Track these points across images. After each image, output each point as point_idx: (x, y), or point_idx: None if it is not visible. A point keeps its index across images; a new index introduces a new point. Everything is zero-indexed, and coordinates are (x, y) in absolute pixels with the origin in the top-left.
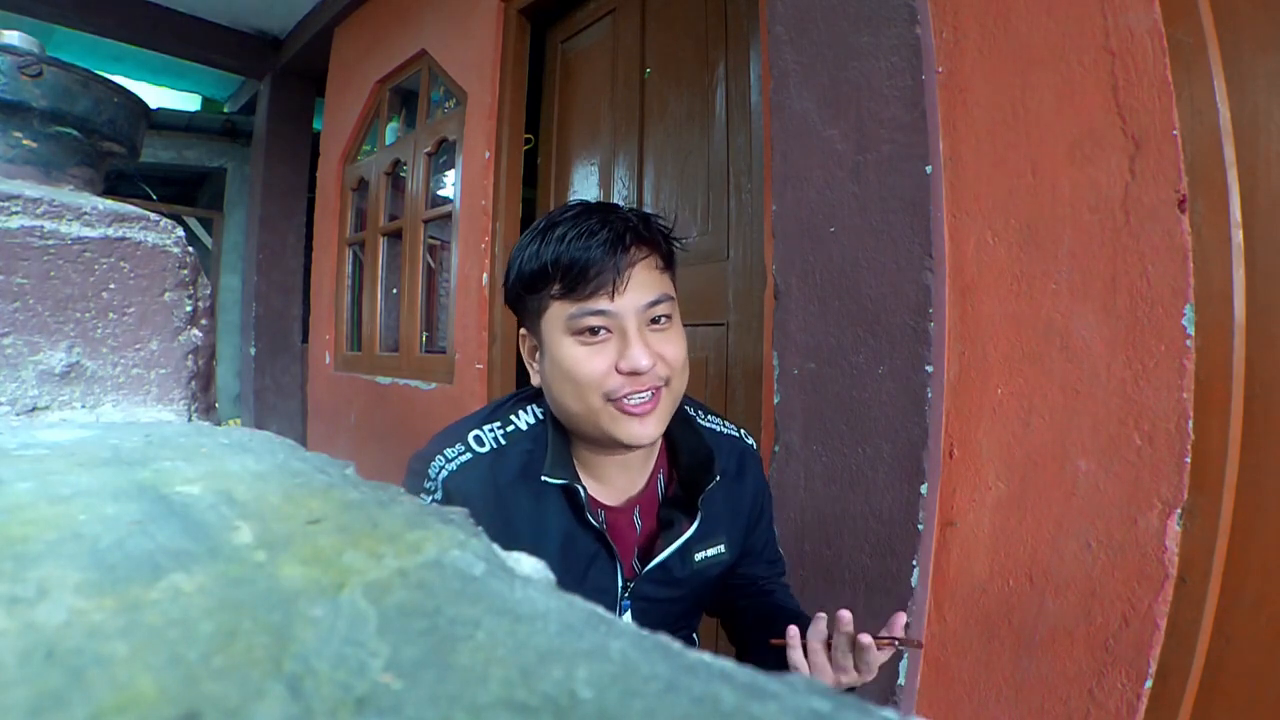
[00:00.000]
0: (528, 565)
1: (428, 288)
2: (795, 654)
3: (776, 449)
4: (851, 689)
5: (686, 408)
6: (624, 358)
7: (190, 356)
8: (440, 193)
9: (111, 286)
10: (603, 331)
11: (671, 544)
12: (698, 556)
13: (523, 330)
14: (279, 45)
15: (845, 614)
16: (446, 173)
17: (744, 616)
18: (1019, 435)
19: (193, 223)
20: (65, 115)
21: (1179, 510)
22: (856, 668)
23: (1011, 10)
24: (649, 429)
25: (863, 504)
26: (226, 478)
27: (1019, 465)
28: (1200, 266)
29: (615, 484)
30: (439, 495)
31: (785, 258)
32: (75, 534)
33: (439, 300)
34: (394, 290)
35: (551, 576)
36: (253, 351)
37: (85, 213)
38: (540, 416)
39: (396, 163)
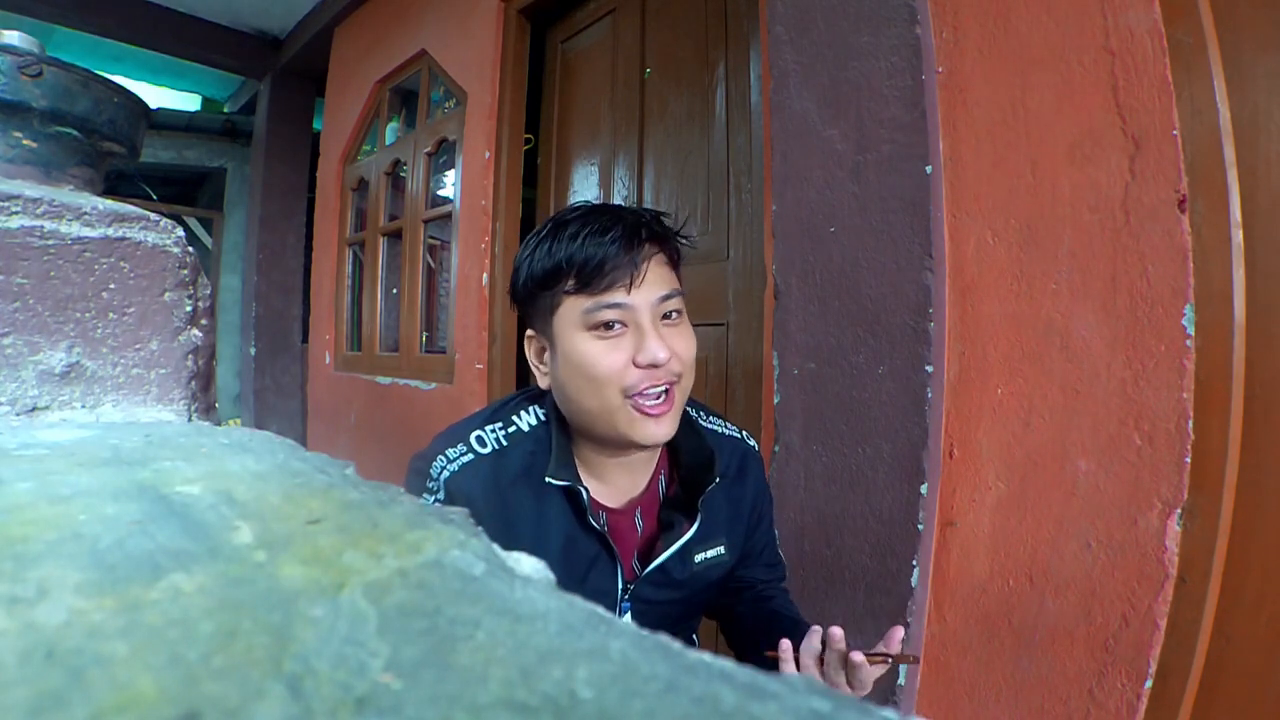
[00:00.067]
0: (528, 565)
1: (428, 288)
2: (787, 667)
3: (776, 449)
4: None
5: (688, 409)
6: (641, 351)
7: (190, 356)
8: (440, 193)
9: (111, 286)
10: (618, 326)
11: (671, 545)
12: (697, 558)
13: (530, 332)
14: (279, 45)
15: (836, 631)
16: (446, 173)
17: (741, 623)
18: (1019, 435)
19: (193, 223)
20: (65, 115)
21: (1179, 510)
22: (850, 684)
23: (1011, 10)
24: (664, 429)
25: (863, 504)
26: (226, 478)
27: (1019, 465)
28: (1200, 266)
29: (618, 485)
30: (441, 495)
31: (785, 258)
32: (75, 534)
33: (439, 300)
34: (394, 290)
35: (551, 576)
36: (253, 351)
37: (85, 213)
38: (542, 417)
39: (396, 163)
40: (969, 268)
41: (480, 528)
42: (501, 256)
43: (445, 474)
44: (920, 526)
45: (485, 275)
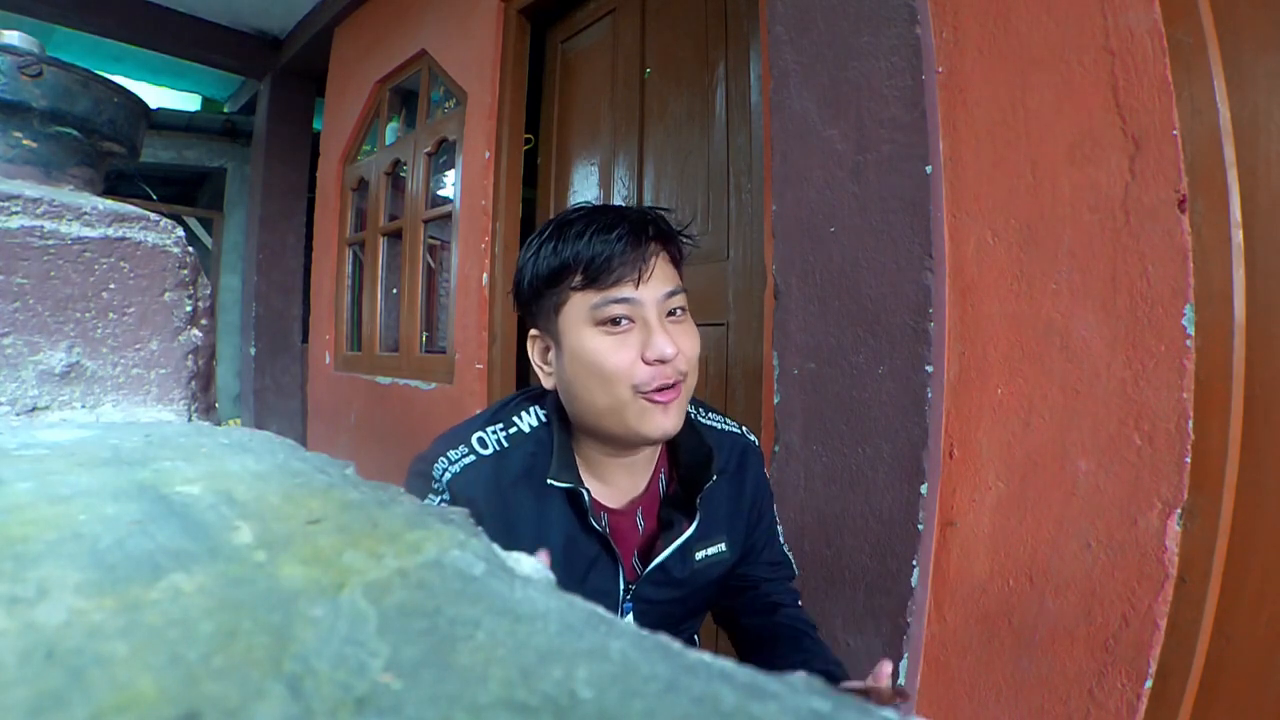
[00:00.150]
0: (528, 565)
1: (428, 288)
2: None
3: (776, 449)
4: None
5: (688, 406)
6: (649, 346)
7: (190, 356)
8: (440, 193)
9: (111, 286)
10: (625, 321)
11: (671, 544)
12: (698, 556)
13: (533, 332)
14: (279, 45)
15: (885, 668)
16: (446, 173)
17: (748, 634)
18: (1019, 435)
19: (193, 223)
20: (65, 115)
21: (1179, 510)
22: None
23: (1011, 10)
24: (672, 420)
25: (863, 504)
26: (226, 478)
27: (1019, 465)
28: (1200, 266)
29: (619, 486)
30: (446, 496)
31: (785, 258)
32: (75, 534)
33: (439, 300)
34: (394, 290)
35: (551, 576)
36: (253, 351)
37: (85, 213)
38: (543, 418)
39: (396, 163)
40: (969, 268)
41: (480, 528)
42: (501, 256)
43: (447, 475)
44: (920, 526)
45: (485, 275)
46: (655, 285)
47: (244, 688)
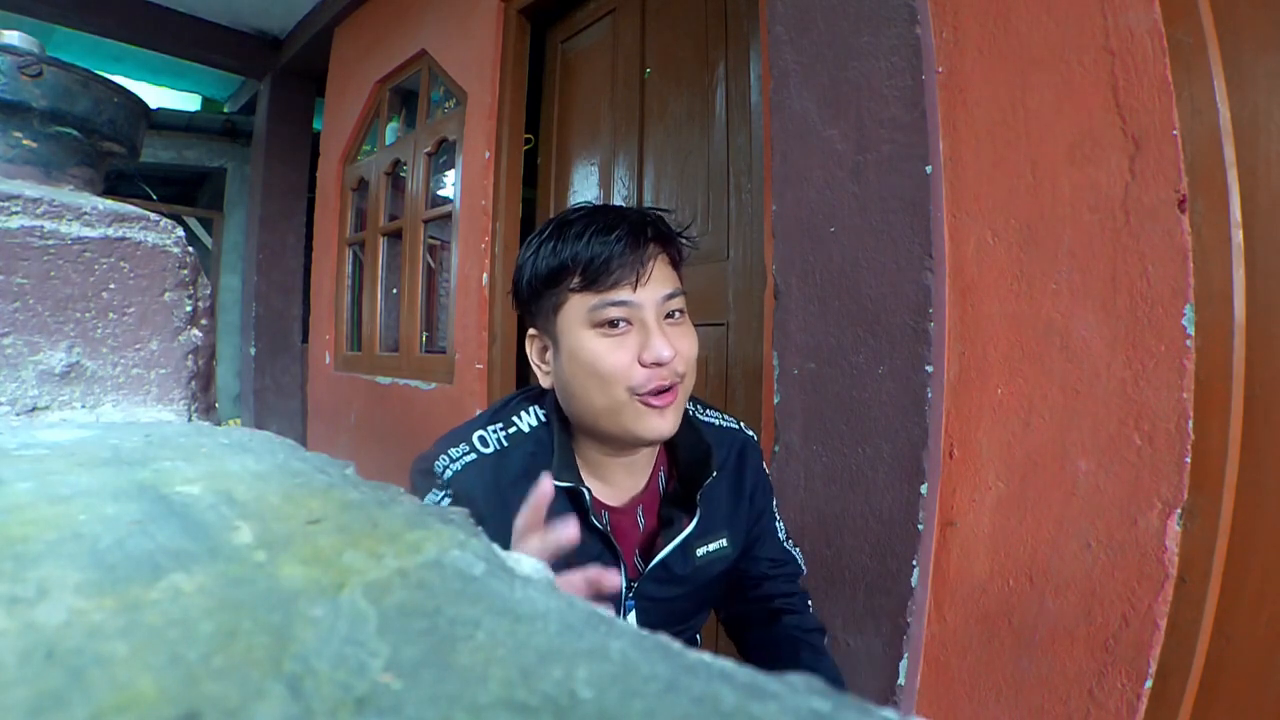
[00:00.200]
0: (528, 565)
1: (428, 288)
2: None
3: (776, 449)
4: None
5: (686, 404)
6: (647, 349)
7: (190, 356)
8: (440, 193)
9: (111, 286)
10: (623, 324)
11: (671, 541)
12: (699, 552)
13: (532, 331)
14: (279, 45)
15: None
16: (446, 173)
17: (748, 647)
18: (1019, 435)
19: (193, 223)
20: (65, 115)
21: (1179, 510)
22: None
23: (1011, 10)
24: (668, 423)
25: (863, 504)
26: (226, 478)
27: (1019, 465)
28: (1200, 266)
29: (619, 484)
30: (448, 492)
31: (785, 258)
32: (75, 534)
33: (439, 300)
34: (394, 290)
35: (552, 576)
36: (253, 351)
37: (85, 213)
38: (542, 418)
39: (396, 163)
40: (969, 268)
41: (480, 528)
42: (501, 256)
43: (448, 473)
44: (920, 526)
45: (485, 275)
46: (654, 287)
47: (244, 688)
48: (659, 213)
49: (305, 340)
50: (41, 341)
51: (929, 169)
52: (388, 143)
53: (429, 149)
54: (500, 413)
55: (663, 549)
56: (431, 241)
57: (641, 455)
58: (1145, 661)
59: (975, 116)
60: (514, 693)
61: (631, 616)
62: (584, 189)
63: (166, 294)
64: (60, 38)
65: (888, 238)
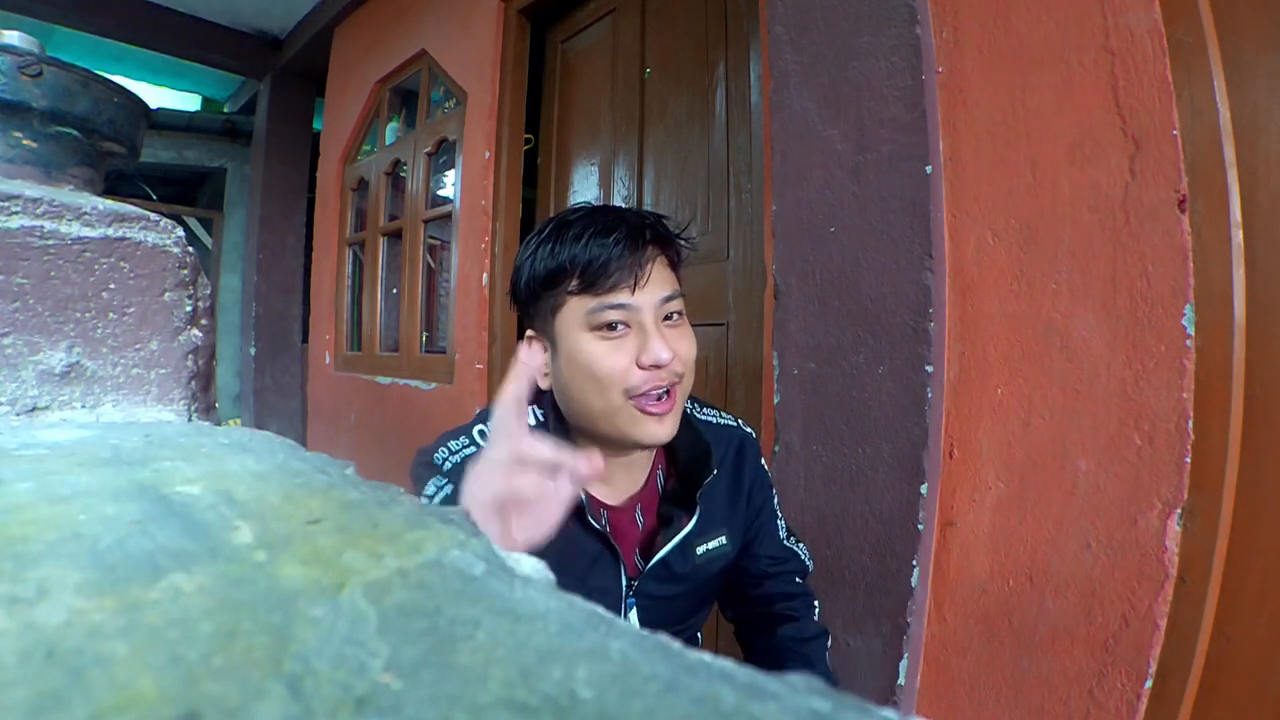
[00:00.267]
0: (528, 565)
1: (428, 288)
2: None
3: (776, 449)
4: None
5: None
6: (645, 352)
7: (190, 356)
8: (440, 193)
9: (111, 286)
10: (621, 327)
11: (671, 540)
12: (699, 550)
13: (530, 332)
14: (279, 45)
15: None
16: (446, 173)
17: (750, 653)
18: (1019, 435)
19: (193, 223)
20: (65, 115)
21: (1179, 510)
22: None
23: (1011, 10)
24: (666, 428)
25: (863, 504)
26: (226, 478)
27: (1019, 465)
28: (1200, 266)
29: (617, 484)
30: (449, 482)
31: (785, 258)
32: (75, 534)
33: (439, 300)
34: (394, 290)
35: (551, 577)
36: (253, 351)
37: (85, 213)
38: (540, 418)
39: (396, 163)
40: (969, 268)
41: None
42: (501, 256)
43: (448, 464)
44: (920, 526)
45: (485, 275)
46: (652, 290)
47: (244, 688)
48: (657, 215)
49: (305, 340)
50: (41, 341)
51: (929, 169)
52: (388, 143)
53: (429, 149)
54: None
55: (662, 548)
56: (431, 241)
57: (640, 455)
58: (1145, 661)
59: (975, 116)
60: (514, 693)
61: (633, 615)
62: (584, 189)
63: (166, 294)
64: (60, 38)
65: (888, 238)
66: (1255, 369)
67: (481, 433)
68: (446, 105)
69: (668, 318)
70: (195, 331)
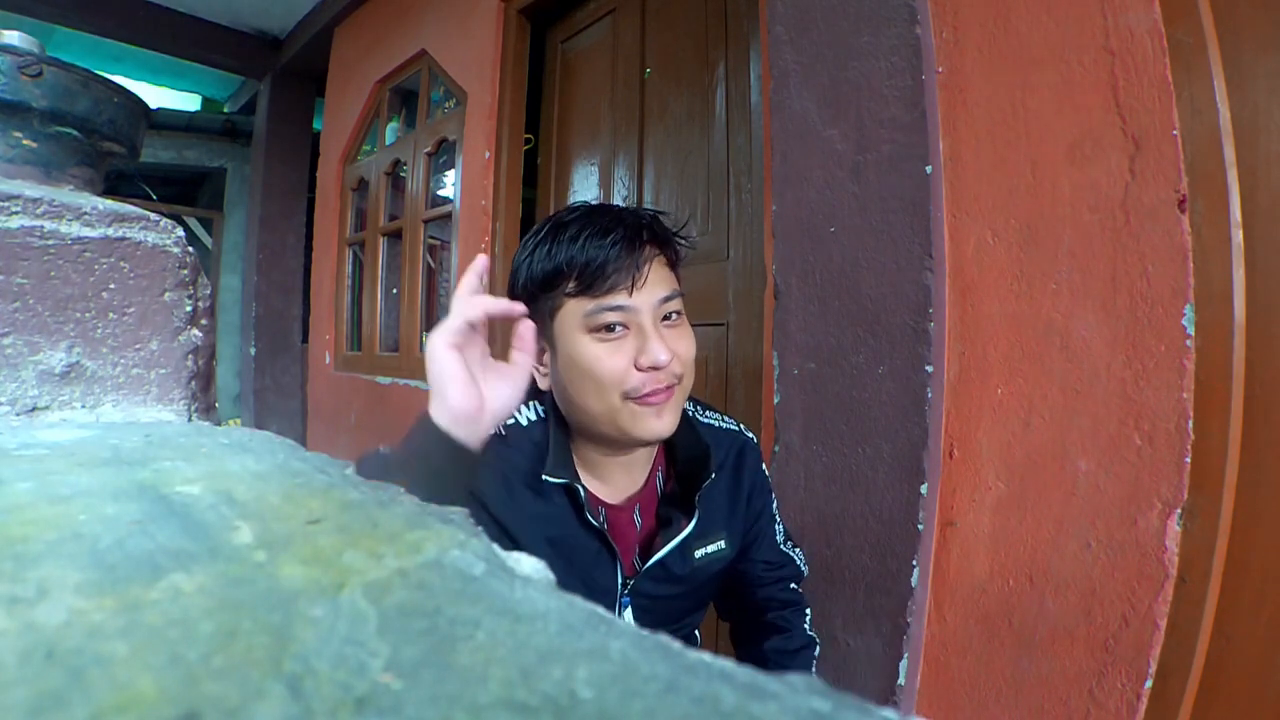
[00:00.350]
0: (528, 565)
1: (428, 288)
2: None
3: (776, 449)
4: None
5: (685, 404)
6: (643, 353)
7: (190, 356)
8: (440, 193)
9: (111, 286)
10: (619, 328)
11: (670, 541)
12: (698, 553)
13: None
14: (279, 45)
15: None
16: (446, 173)
17: (740, 661)
18: (1019, 435)
19: (193, 223)
20: (65, 115)
21: (1179, 510)
22: None
23: (1011, 10)
24: (665, 422)
25: (863, 504)
26: (226, 478)
27: (1019, 465)
28: (1200, 266)
29: (616, 484)
30: None
31: (785, 258)
32: (75, 534)
33: (439, 300)
34: (394, 290)
35: (551, 576)
36: (253, 351)
37: (85, 213)
38: (541, 414)
39: (396, 163)
40: (969, 268)
41: (480, 527)
42: (501, 256)
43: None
44: (920, 526)
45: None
46: (650, 291)
47: (244, 688)
48: (655, 214)
49: (305, 340)
50: (41, 341)
51: (929, 169)
52: (388, 143)
53: (429, 149)
54: None
55: (661, 549)
56: (431, 241)
57: (639, 455)
58: (1145, 661)
59: (975, 116)
60: (514, 693)
61: (628, 613)
62: (584, 189)
63: (166, 294)
64: (60, 38)
65: (888, 238)
66: (1255, 369)
67: None
68: (446, 105)
69: (666, 318)
70: (195, 331)
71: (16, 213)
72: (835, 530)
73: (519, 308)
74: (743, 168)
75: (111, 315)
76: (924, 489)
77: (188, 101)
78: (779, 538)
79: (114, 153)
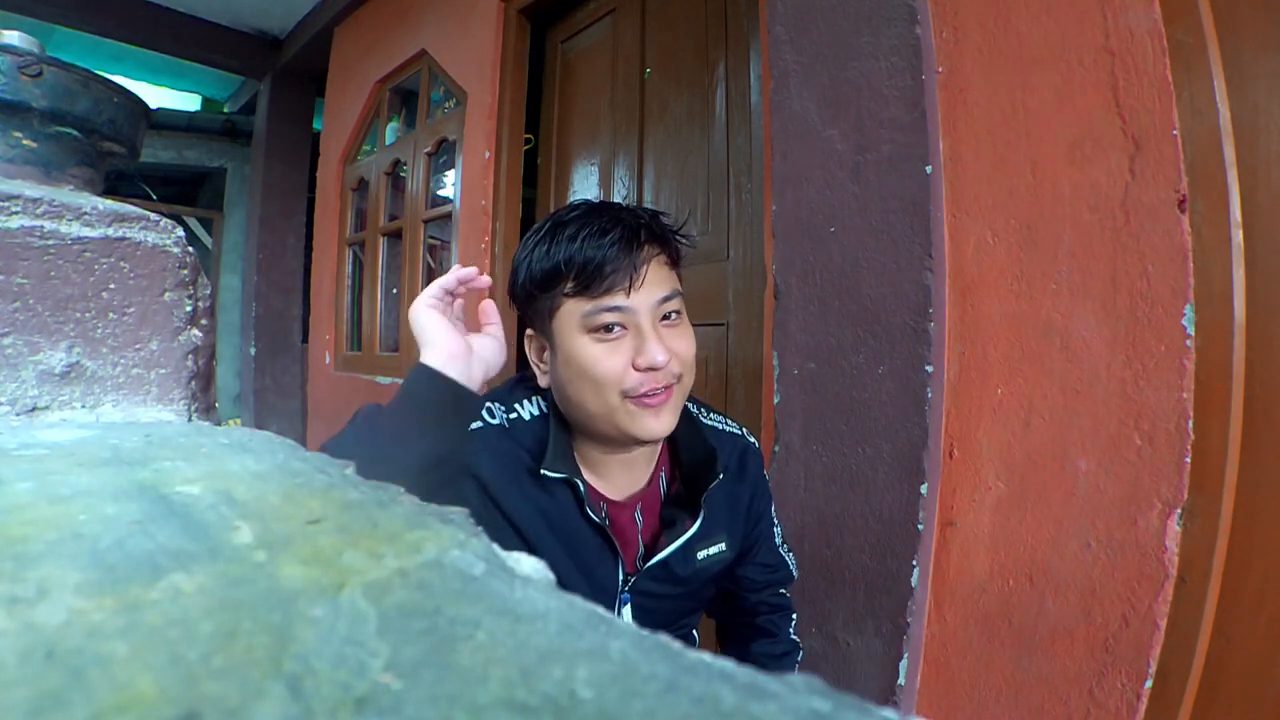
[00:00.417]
0: (528, 565)
1: None
2: None
3: (776, 449)
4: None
5: (690, 406)
6: (641, 354)
7: (190, 356)
8: (440, 193)
9: (111, 286)
10: (617, 328)
11: (674, 541)
12: (700, 555)
13: (529, 331)
14: (279, 45)
15: None
16: (446, 173)
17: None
18: (1019, 435)
19: (193, 223)
20: (65, 115)
21: (1179, 510)
22: None
23: (1011, 10)
24: (663, 422)
25: (863, 504)
26: (226, 478)
27: (1019, 465)
28: (1200, 266)
29: (617, 481)
30: None
31: (785, 258)
32: (75, 534)
33: None
34: (394, 290)
35: (551, 577)
36: (253, 351)
37: (85, 213)
38: (543, 409)
39: (396, 163)
40: (969, 268)
41: (481, 528)
42: (501, 256)
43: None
44: (920, 526)
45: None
46: (649, 291)
47: (244, 688)
48: (654, 213)
49: (305, 340)
50: (41, 341)
51: (929, 169)
52: (388, 143)
53: (429, 149)
54: (505, 397)
55: (665, 548)
56: (431, 241)
57: (639, 454)
58: (1145, 661)
59: (975, 116)
60: (514, 693)
61: (627, 611)
62: (584, 189)
63: (166, 294)
64: (60, 38)
65: (888, 238)
66: (1255, 369)
67: (489, 410)
68: (446, 105)
69: (666, 317)
70: (195, 331)
71: (16, 213)
72: (835, 530)
73: (486, 280)
74: (743, 168)
75: (111, 315)
76: (924, 489)
77: (188, 101)
78: (777, 540)
79: (114, 153)
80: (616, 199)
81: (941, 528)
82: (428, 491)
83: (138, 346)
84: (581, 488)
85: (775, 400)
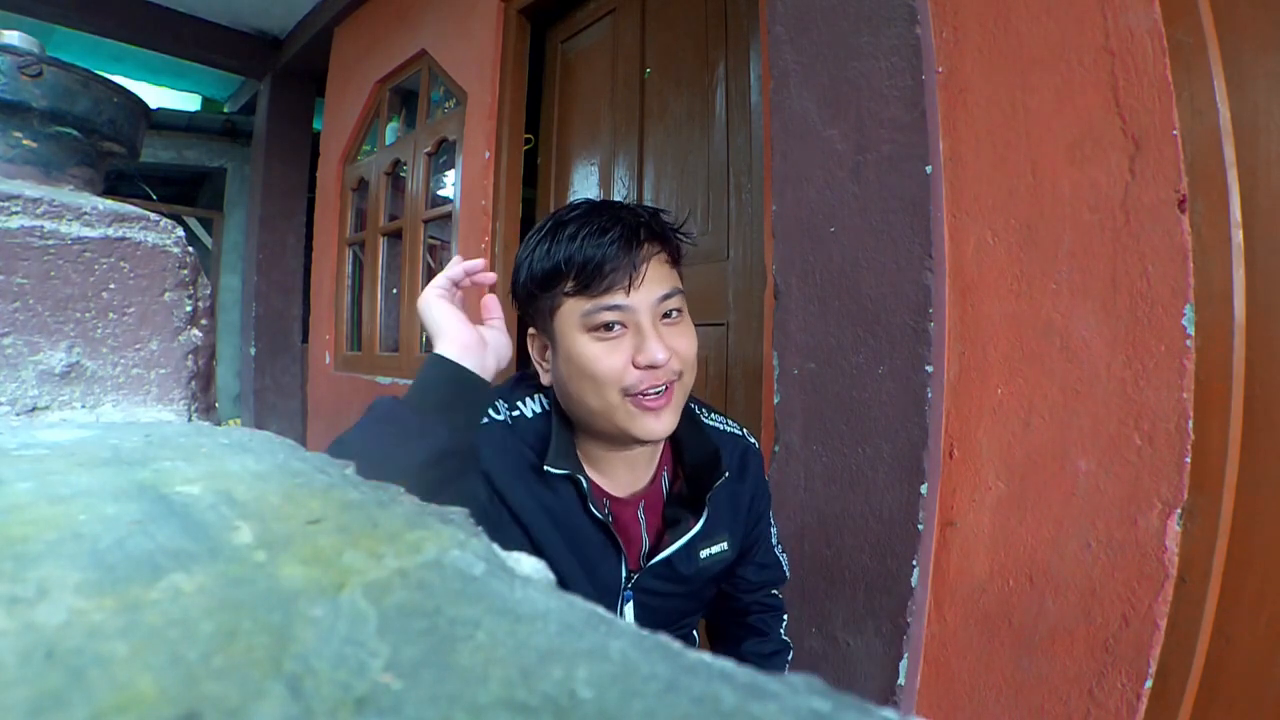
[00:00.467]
0: (528, 565)
1: None
2: None
3: (776, 449)
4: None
5: (692, 406)
6: (641, 352)
7: (190, 356)
8: (440, 193)
9: (111, 286)
10: (617, 327)
11: (678, 540)
12: (703, 554)
13: (531, 330)
14: (279, 45)
15: None
16: (446, 173)
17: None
18: (1019, 435)
19: (193, 223)
20: (65, 115)
21: (1179, 510)
22: None
23: (1011, 10)
24: (664, 423)
25: (863, 504)
26: (226, 478)
27: (1019, 465)
28: (1200, 266)
29: (620, 479)
30: None
31: (785, 258)
32: (75, 534)
33: None
34: (394, 290)
35: (551, 577)
36: (253, 351)
37: (85, 213)
38: (545, 406)
39: (396, 163)
40: (969, 268)
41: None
42: (501, 256)
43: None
44: (920, 526)
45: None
46: (649, 289)
47: (244, 688)
48: (655, 211)
49: (305, 340)
50: (41, 341)
51: (929, 169)
52: (388, 143)
53: (429, 149)
54: (508, 395)
55: (669, 546)
56: (431, 241)
57: (641, 452)
58: (1145, 661)
59: (975, 116)
60: (514, 693)
61: (629, 609)
62: (584, 189)
63: (166, 294)
64: (60, 38)
65: (888, 238)
66: (1255, 369)
67: (494, 407)
68: (446, 105)
69: (666, 315)
70: (195, 331)
71: (16, 213)
72: (835, 530)
73: (491, 275)
74: (743, 168)
75: (111, 315)
76: (924, 489)
77: (188, 101)
78: (773, 539)
79: (114, 153)
80: (617, 199)
81: (941, 528)
82: (443, 482)
83: (138, 346)
84: (584, 484)
85: (775, 400)
